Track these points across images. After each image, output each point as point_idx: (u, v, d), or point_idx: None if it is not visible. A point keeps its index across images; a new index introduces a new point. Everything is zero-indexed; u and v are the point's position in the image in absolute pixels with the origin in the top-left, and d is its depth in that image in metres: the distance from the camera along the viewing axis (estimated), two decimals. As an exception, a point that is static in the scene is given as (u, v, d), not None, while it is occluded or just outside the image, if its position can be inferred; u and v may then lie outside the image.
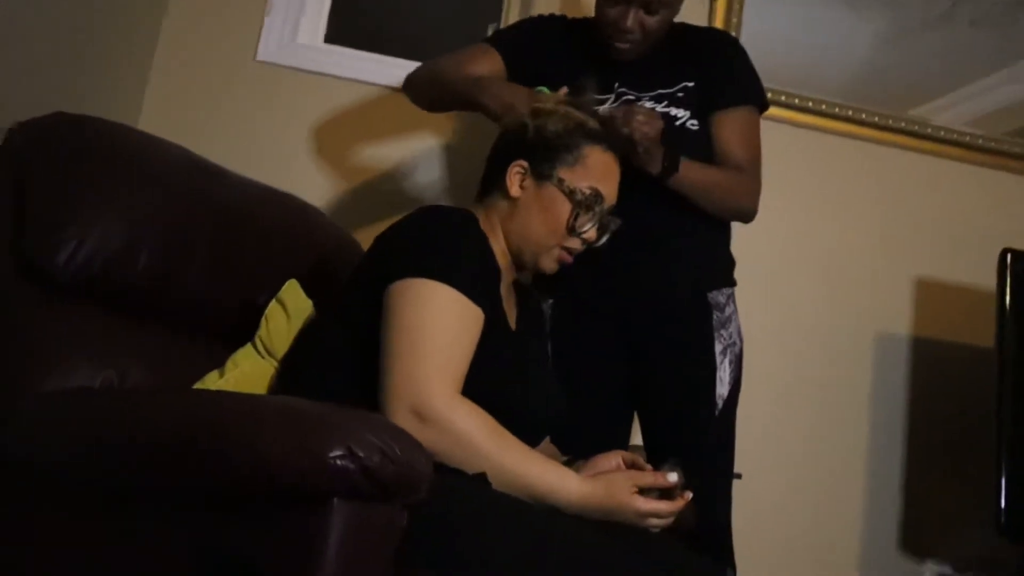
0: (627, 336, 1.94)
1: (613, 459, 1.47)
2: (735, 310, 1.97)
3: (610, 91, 1.94)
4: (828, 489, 2.56)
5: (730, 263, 2.02)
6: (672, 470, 1.39)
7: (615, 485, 1.35)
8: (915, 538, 2.56)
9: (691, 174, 1.83)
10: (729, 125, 1.94)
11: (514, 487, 1.31)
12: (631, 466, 1.45)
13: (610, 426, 1.95)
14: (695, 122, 1.93)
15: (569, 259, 1.59)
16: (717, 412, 1.89)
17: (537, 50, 2.00)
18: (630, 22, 1.87)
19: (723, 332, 1.91)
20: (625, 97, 1.93)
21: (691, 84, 1.95)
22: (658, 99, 1.93)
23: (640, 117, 1.69)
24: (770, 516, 2.46)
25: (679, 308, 1.92)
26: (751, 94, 2.00)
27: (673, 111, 1.92)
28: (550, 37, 2.04)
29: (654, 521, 1.36)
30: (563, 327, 1.96)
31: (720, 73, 1.97)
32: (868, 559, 2.54)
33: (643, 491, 1.36)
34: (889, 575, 2.54)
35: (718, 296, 1.94)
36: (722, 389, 1.89)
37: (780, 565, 2.44)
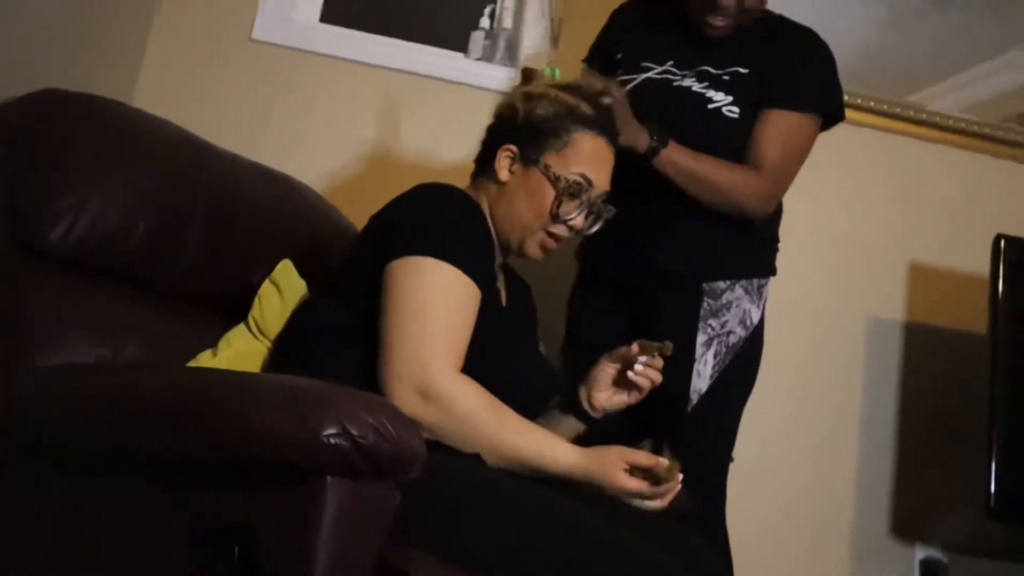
0: (630, 310, 1.92)
1: (608, 368, 1.52)
2: (748, 300, 1.87)
3: (662, 64, 1.88)
4: (819, 472, 2.57)
5: (749, 252, 1.92)
6: (662, 452, 1.40)
7: (607, 459, 1.34)
8: (905, 521, 2.57)
9: (678, 158, 1.72)
10: (769, 124, 1.82)
11: (509, 457, 1.33)
12: (627, 363, 1.49)
13: None
14: (735, 109, 1.82)
15: (553, 244, 1.56)
16: (691, 407, 1.79)
17: (614, 40, 1.99)
18: None
19: (711, 322, 1.84)
20: (664, 72, 1.87)
21: (744, 71, 1.83)
22: (700, 77, 1.84)
23: (598, 86, 1.61)
24: (761, 499, 2.47)
25: (664, 294, 1.87)
26: (807, 99, 1.85)
27: (710, 93, 1.82)
28: (623, 20, 2.03)
29: (641, 502, 1.36)
30: (577, 297, 2.00)
31: (782, 69, 1.83)
32: (858, 542, 2.55)
33: (633, 470, 1.36)
34: (879, 558, 2.55)
35: (717, 285, 1.85)
36: (699, 383, 1.81)
37: (771, 548, 2.45)
